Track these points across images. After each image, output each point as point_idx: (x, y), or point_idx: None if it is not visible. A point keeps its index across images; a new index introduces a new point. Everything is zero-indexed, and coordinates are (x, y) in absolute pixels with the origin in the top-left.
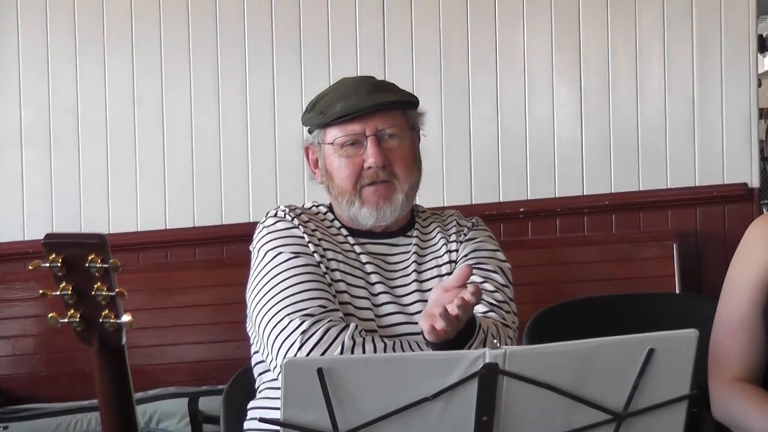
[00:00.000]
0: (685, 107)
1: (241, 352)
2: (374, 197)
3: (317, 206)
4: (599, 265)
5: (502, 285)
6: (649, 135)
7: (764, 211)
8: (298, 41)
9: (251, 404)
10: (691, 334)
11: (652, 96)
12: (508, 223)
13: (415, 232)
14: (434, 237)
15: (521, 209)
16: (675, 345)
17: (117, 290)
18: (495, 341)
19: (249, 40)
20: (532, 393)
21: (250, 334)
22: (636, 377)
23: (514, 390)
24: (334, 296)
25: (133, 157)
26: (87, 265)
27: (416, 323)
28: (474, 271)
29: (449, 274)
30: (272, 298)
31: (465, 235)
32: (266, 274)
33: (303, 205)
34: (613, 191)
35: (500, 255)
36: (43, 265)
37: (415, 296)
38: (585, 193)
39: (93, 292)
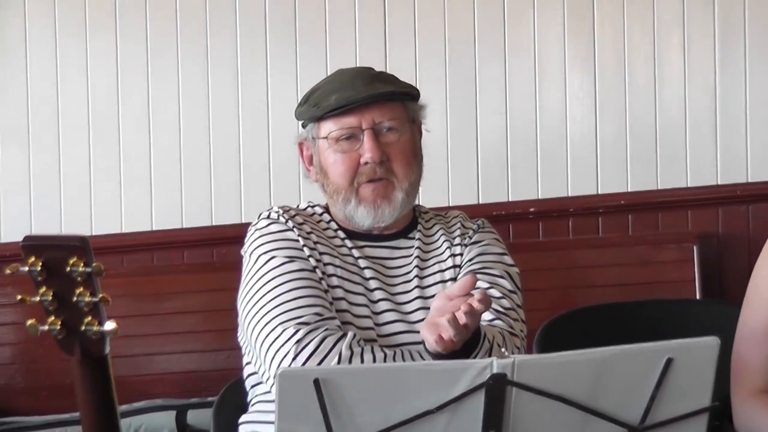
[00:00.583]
0: (706, 99)
1: (233, 362)
2: (372, 195)
3: (313, 207)
4: (614, 269)
5: (510, 291)
6: (668, 129)
7: None
8: (293, 30)
9: (243, 418)
10: (712, 342)
11: (671, 87)
12: (517, 224)
13: (417, 234)
14: (437, 240)
15: (531, 209)
16: (695, 354)
17: (100, 296)
18: (503, 350)
19: (240, 29)
20: (542, 405)
21: (241, 343)
22: (653, 388)
23: (524, 402)
24: (331, 303)
25: (117, 153)
26: (68, 269)
27: (418, 332)
28: (480, 276)
29: (453, 279)
30: (265, 305)
31: (470, 237)
32: (258, 279)
33: (298, 206)
34: (629, 190)
35: (508, 259)
36: (21, 269)
37: (417, 303)
38: (600, 192)
39: (75, 298)
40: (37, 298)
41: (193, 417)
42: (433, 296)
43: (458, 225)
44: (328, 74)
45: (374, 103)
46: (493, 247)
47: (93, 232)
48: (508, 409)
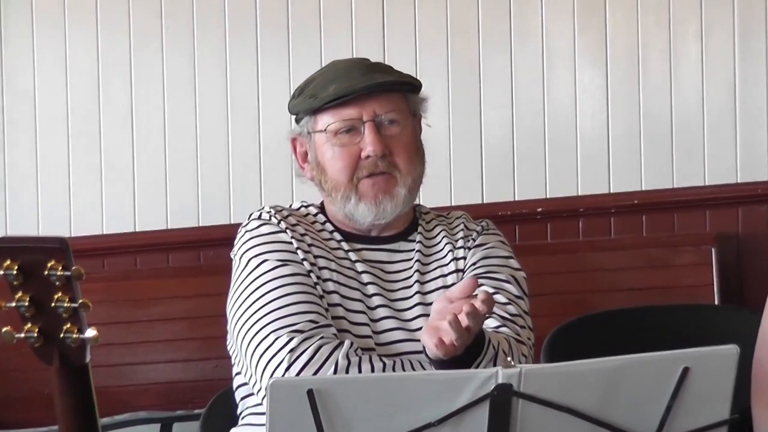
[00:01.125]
0: (725, 92)
1: (221, 372)
2: (373, 191)
3: (306, 207)
4: (627, 273)
5: (516, 296)
6: (684, 124)
7: None
8: (285, 20)
9: None
10: (732, 351)
11: (688, 80)
12: (524, 225)
13: (418, 237)
14: (439, 242)
15: (539, 209)
16: (713, 363)
17: (80, 301)
18: (509, 359)
19: (229, 20)
20: (550, 417)
21: (231, 352)
22: (669, 399)
23: (531, 414)
24: (327, 310)
25: (98, 149)
26: (46, 272)
27: (419, 340)
28: (484, 280)
29: (455, 284)
30: (256, 311)
31: (474, 240)
32: (249, 284)
33: (290, 206)
34: (643, 189)
35: (514, 262)
36: None
37: (417, 310)
38: (612, 191)
39: (53, 304)
40: (13, 304)
41: (179, 430)
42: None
43: (461, 226)
44: (323, 62)
45: (375, 94)
46: (499, 250)
47: (72, 233)
48: (514, 421)
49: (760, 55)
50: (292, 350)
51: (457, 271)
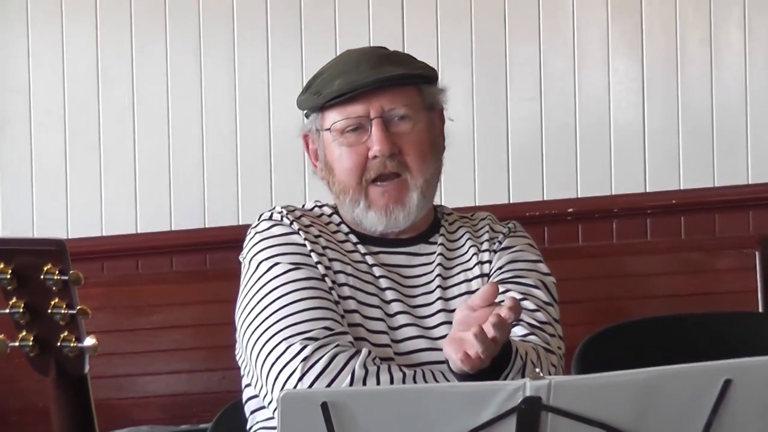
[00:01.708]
0: None
1: (229, 384)
2: (383, 199)
3: (320, 207)
4: (665, 278)
5: (546, 303)
6: (726, 118)
7: None
8: (298, 7)
9: None
10: None
11: (730, 70)
12: (553, 226)
13: (440, 239)
14: (463, 245)
15: (569, 210)
16: (757, 375)
17: (78, 307)
18: (537, 370)
19: (237, 7)
20: None
21: (240, 362)
22: (709, 414)
23: (561, 429)
24: (342, 317)
25: (98, 146)
26: (42, 277)
27: (441, 349)
28: (511, 286)
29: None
30: (267, 318)
31: (500, 242)
32: (259, 289)
33: (303, 206)
34: (682, 188)
35: (543, 267)
36: None
37: (439, 317)
38: (648, 190)
39: (49, 310)
40: (7, 310)
41: None
42: None
43: (486, 228)
44: (337, 54)
45: (383, 89)
46: (526, 253)
47: (69, 235)
48: None
49: None
50: (305, 359)
51: (482, 275)
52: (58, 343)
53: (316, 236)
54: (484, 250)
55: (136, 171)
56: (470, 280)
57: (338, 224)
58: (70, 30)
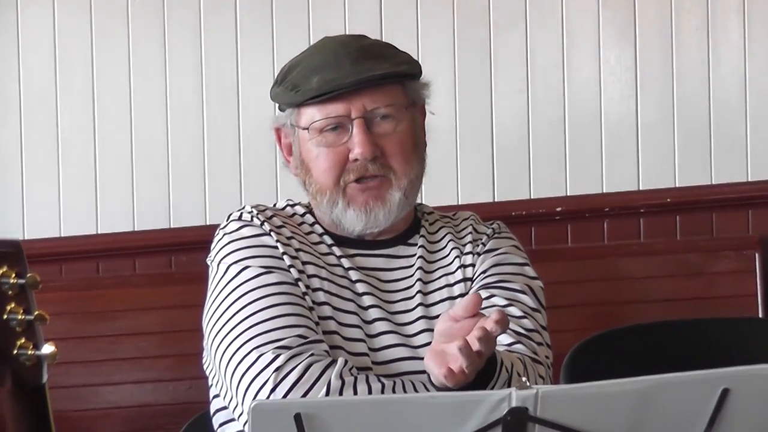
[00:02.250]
0: None
1: (196, 394)
2: (363, 196)
3: (293, 206)
4: (659, 282)
5: (533, 309)
6: (724, 112)
7: None
8: None
9: None
10: None
11: (728, 61)
12: (541, 226)
13: (420, 240)
14: (444, 247)
15: (558, 209)
16: (757, 384)
17: (36, 313)
18: (524, 379)
19: None
20: None
21: (207, 371)
22: (706, 425)
23: None
24: (317, 324)
25: (55, 140)
26: None
27: (423, 358)
28: (496, 291)
29: (462, 295)
30: (236, 325)
31: (484, 244)
32: (228, 294)
33: (275, 205)
34: (677, 186)
35: (529, 270)
36: None
37: (420, 324)
38: (641, 189)
39: (5, 316)
40: None
41: None
42: (439, 315)
43: (469, 229)
44: (311, 44)
45: (366, 86)
46: (512, 256)
47: (26, 236)
48: None
49: None
50: (278, 369)
51: (464, 279)
52: (15, 351)
53: (289, 238)
54: (467, 253)
55: (96, 167)
56: (452, 285)
57: (312, 224)
58: (26, 18)
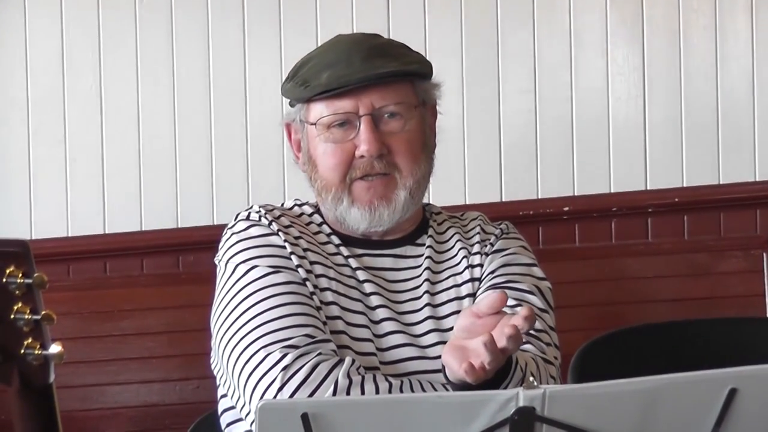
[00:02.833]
0: None
1: (204, 394)
2: (368, 194)
3: (301, 206)
4: (666, 281)
5: (541, 310)
6: (732, 112)
7: None
8: None
9: None
10: None
11: (736, 61)
12: (548, 226)
13: (428, 240)
14: (452, 247)
15: (566, 209)
16: (764, 384)
17: (43, 313)
18: (531, 378)
19: None
20: None
21: (215, 371)
22: (714, 425)
23: None
24: (325, 323)
25: (63, 141)
26: (4, 280)
27: (430, 358)
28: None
29: (470, 296)
30: (244, 325)
31: (491, 244)
32: (236, 294)
33: (282, 205)
34: (685, 185)
35: (537, 270)
36: None
37: (428, 324)
38: (649, 188)
39: (12, 316)
40: None
41: None
42: (447, 316)
43: (477, 229)
44: (319, 43)
45: (374, 84)
46: (520, 256)
47: (33, 235)
48: None
49: None
50: (285, 368)
51: (472, 280)
52: (22, 351)
53: (297, 237)
54: (475, 253)
55: (104, 167)
56: (459, 285)
57: (320, 224)
58: (33, 16)
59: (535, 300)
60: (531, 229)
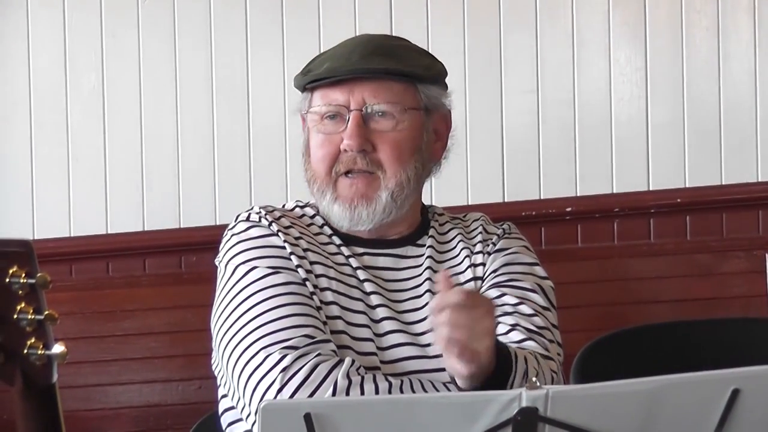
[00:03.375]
0: None
1: (205, 394)
2: (349, 192)
3: (302, 207)
4: (669, 282)
5: (543, 308)
6: (735, 112)
7: None
8: None
9: None
10: None
11: (738, 61)
12: (551, 227)
13: (429, 241)
14: (454, 247)
15: (568, 209)
16: (766, 384)
17: (46, 313)
18: (534, 379)
19: None
20: None
21: (216, 371)
22: (716, 426)
23: None
24: (325, 323)
25: (65, 140)
26: (7, 280)
27: (431, 357)
28: (506, 290)
29: None
30: (244, 325)
31: (494, 244)
32: (236, 294)
33: (283, 206)
34: (687, 186)
35: (539, 270)
36: None
37: (429, 323)
38: (651, 189)
39: (15, 316)
40: None
41: None
42: None
43: (479, 229)
44: (322, 47)
45: (370, 80)
46: (522, 255)
47: (36, 235)
48: None
49: None
50: (285, 369)
51: (474, 279)
52: (25, 351)
53: (297, 238)
54: (477, 253)
55: (106, 167)
56: (462, 284)
57: (321, 226)
58: (35, 16)
59: (538, 298)
60: (533, 229)
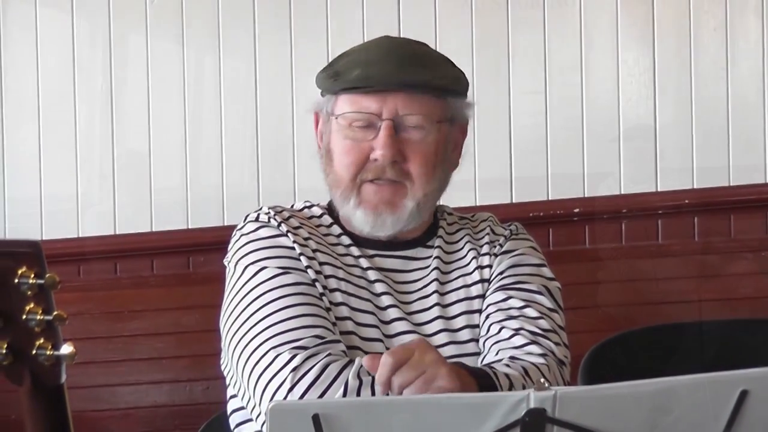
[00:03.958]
0: None
1: (213, 394)
2: (375, 198)
3: (311, 208)
4: (677, 283)
5: (550, 309)
6: (742, 113)
7: None
8: None
9: None
10: None
11: (746, 62)
12: (558, 228)
13: (438, 242)
14: (462, 248)
15: (576, 210)
16: None
17: (55, 313)
18: (542, 380)
19: None
20: None
21: (224, 372)
22: (724, 427)
23: None
24: (334, 324)
25: (73, 142)
26: (16, 281)
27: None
28: (513, 292)
29: (480, 296)
30: (253, 326)
31: (501, 245)
32: (245, 295)
33: (292, 206)
34: (695, 187)
35: (547, 271)
36: None
37: (437, 324)
38: (659, 190)
39: (24, 316)
40: None
41: None
42: (456, 316)
43: (487, 230)
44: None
45: (403, 90)
46: (529, 257)
47: (44, 236)
48: None
49: None
50: (295, 369)
51: (482, 281)
52: (34, 351)
53: (306, 238)
54: (484, 254)
55: (114, 168)
56: (469, 285)
57: (329, 225)
58: (44, 16)
59: (544, 300)
60: (541, 230)
